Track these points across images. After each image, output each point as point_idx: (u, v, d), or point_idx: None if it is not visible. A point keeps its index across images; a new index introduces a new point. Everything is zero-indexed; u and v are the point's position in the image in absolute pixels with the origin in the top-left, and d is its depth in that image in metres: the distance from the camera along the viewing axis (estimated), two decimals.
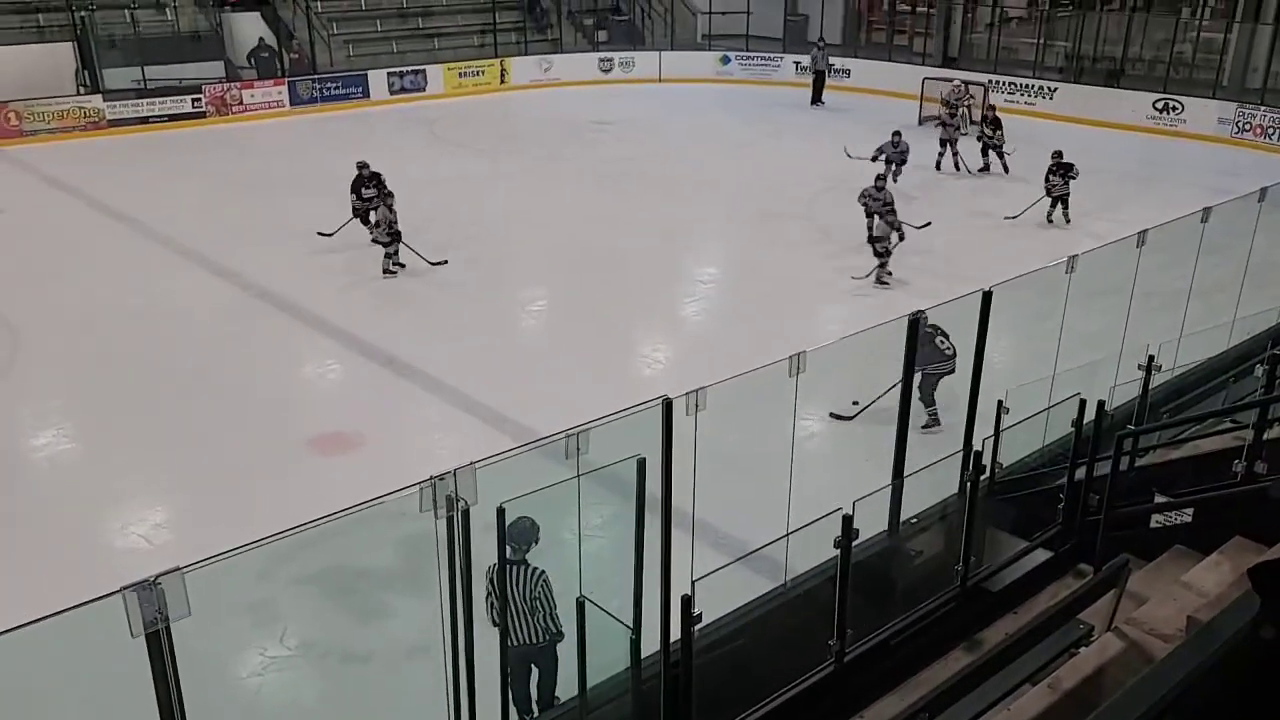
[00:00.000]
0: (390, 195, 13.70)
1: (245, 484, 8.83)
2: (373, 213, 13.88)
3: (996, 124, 18.97)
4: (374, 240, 13.75)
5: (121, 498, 8.82)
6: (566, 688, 5.59)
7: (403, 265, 13.73)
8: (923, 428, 9.02)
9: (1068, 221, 15.57)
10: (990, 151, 18.88)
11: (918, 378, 8.07)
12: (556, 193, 18.21)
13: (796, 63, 28.21)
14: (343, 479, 8.67)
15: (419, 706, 5.39)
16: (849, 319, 11.85)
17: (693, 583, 4.65)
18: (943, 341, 9.07)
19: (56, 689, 5.54)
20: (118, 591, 3.28)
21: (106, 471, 9.24)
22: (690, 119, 24.85)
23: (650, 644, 5.00)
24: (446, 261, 13.95)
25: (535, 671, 5.71)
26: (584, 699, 4.72)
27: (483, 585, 5.26)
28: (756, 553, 6.06)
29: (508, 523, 5.11)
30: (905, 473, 6.59)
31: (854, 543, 5.28)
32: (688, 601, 4.60)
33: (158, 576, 3.27)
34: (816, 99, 25.74)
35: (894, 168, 17.00)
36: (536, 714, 5.69)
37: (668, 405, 4.62)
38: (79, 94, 22.21)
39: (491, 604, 5.38)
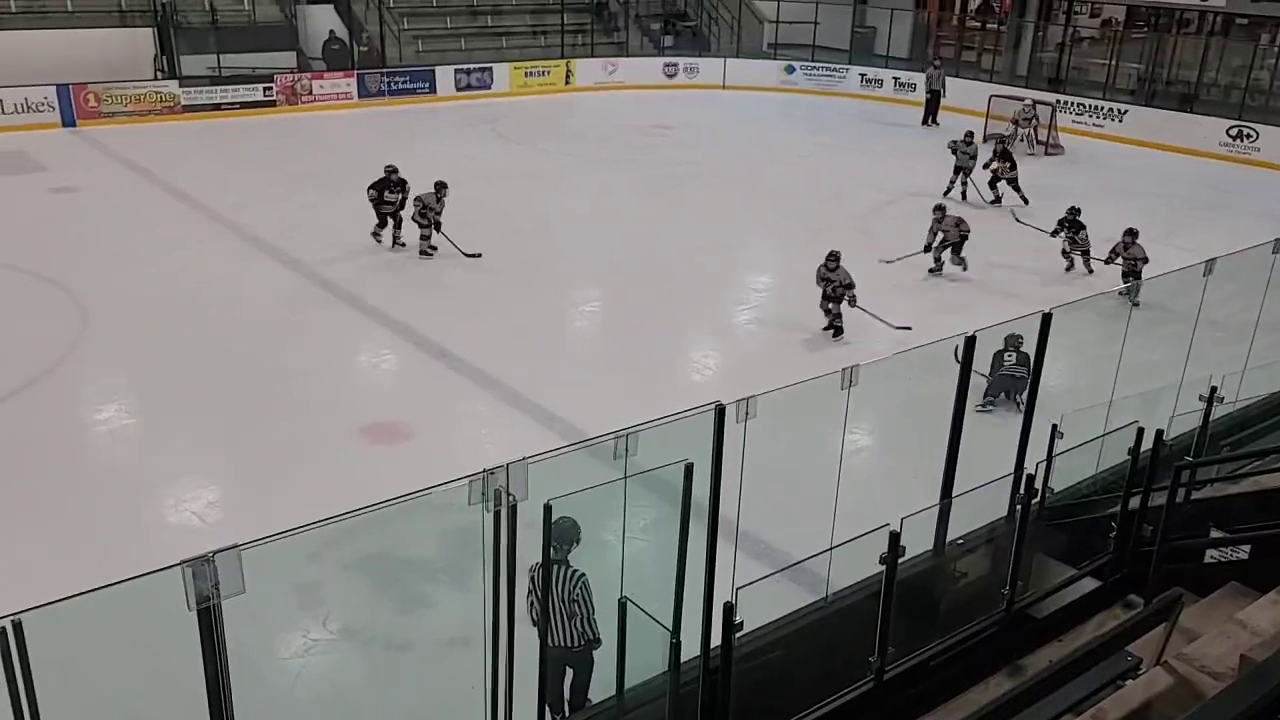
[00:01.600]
0: (411, 197, 14.22)
1: (297, 468, 8.98)
2: (390, 219, 14.46)
3: (1007, 157, 17.84)
4: (413, 219, 14.36)
5: (178, 475, 9.01)
6: (599, 691, 5.61)
7: (435, 248, 14.36)
8: (977, 407, 9.73)
9: (1089, 272, 14.34)
10: (1000, 185, 17.67)
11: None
12: (614, 195, 18.28)
13: (862, 74, 28.06)
14: (392, 468, 8.79)
15: (456, 698, 5.43)
16: (900, 334, 11.75)
17: (736, 590, 4.65)
18: (1009, 356, 10.07)
19: (107, 659, 5.68)
20: (175, 565, 3.36)
21: (165, 449, 9.45)
22: (752, 127, 24.80)
23: (689, 649, 5.00)
24: (480, 254, 14.12)
25: (569, 673, 5.73)
26: (621, 699, 4.74)
27: (524, 582, 5.29)
28: (798, 565, 6.05)
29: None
30: (954, 493, 6.52)
31: (899, 560, 5.24)
32: (730, 609, 4.59)
33: (215, 553, 3.34)
34: (929, 119, 24.71)
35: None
36: (568, 715, 5.71)
37: (720, 411, 4.63)
38: (156, 79, 22.76)
39: (533, 603, 5.41)
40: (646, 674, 5.21)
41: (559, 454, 4.73)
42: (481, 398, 10.56)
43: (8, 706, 3.45)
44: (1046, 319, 6.48)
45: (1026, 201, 17.30)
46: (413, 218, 14.26)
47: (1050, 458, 6.53)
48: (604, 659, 5.51)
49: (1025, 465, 6.53)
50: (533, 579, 5.33)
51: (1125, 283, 13.24)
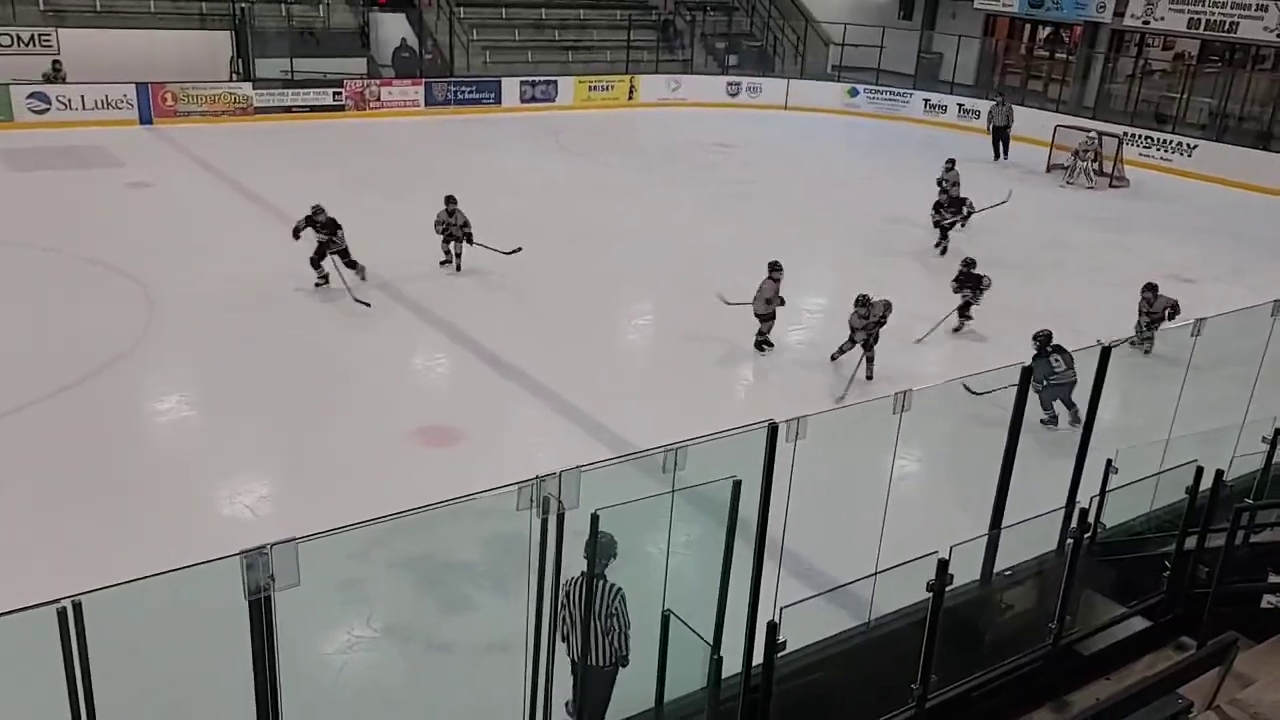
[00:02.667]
0: (337, 231, 13.05)
1: (348, 467, 9.12)
2: (327, 258, 13.10)
3: (958, 205, 16.76)
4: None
5: (233, 468, 9.20)
6: (633, 705, 5.56)
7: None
8: (1041, 421, 10.14)
9: (956, 330, 13.00)
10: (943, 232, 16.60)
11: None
12: (672, 210, 18.34)
13: (926, 99, 27.89)
14: (440, 472, 8.90)
15: (494, 703, 5.47)
16: (953, 360, 11.65)
17: (780, 610, 4.64)
18: (1057, 360, 10.05)
19: (159, 644, 5.82)
20: (232, 556, 3.44)
21: (223, 441, 9.65)
22: (812, 148, 24.76)
23: (730, 666, 4.99)
24: (520, 249, 14.15)
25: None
26: (660, 711, 4.75)
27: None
28: (843, 588, 6.02)
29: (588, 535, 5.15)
30: (1004, 523, 6.45)
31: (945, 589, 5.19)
32: (773, 628, 4.59)
33: (272, 545, 3.42)
34: (1000, 154, 23.85)
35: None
36: None
37: (773, 430, 4.63)
38: (231, 80, 23.34)
39: (564, 618, 5.34)
40: (686, 689, 5.21)
41: (609, 464, 4.77)
42: (532, 404, 10.65)
43: (63, 686, 3.54)
44: (1106, 352, 6.39)
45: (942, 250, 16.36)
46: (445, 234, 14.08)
47: (1104, 493, 6.44)
48: (641, 673, 5.51)
49: (1078, 499, 6.44)
50: (566, 594, 5.30)
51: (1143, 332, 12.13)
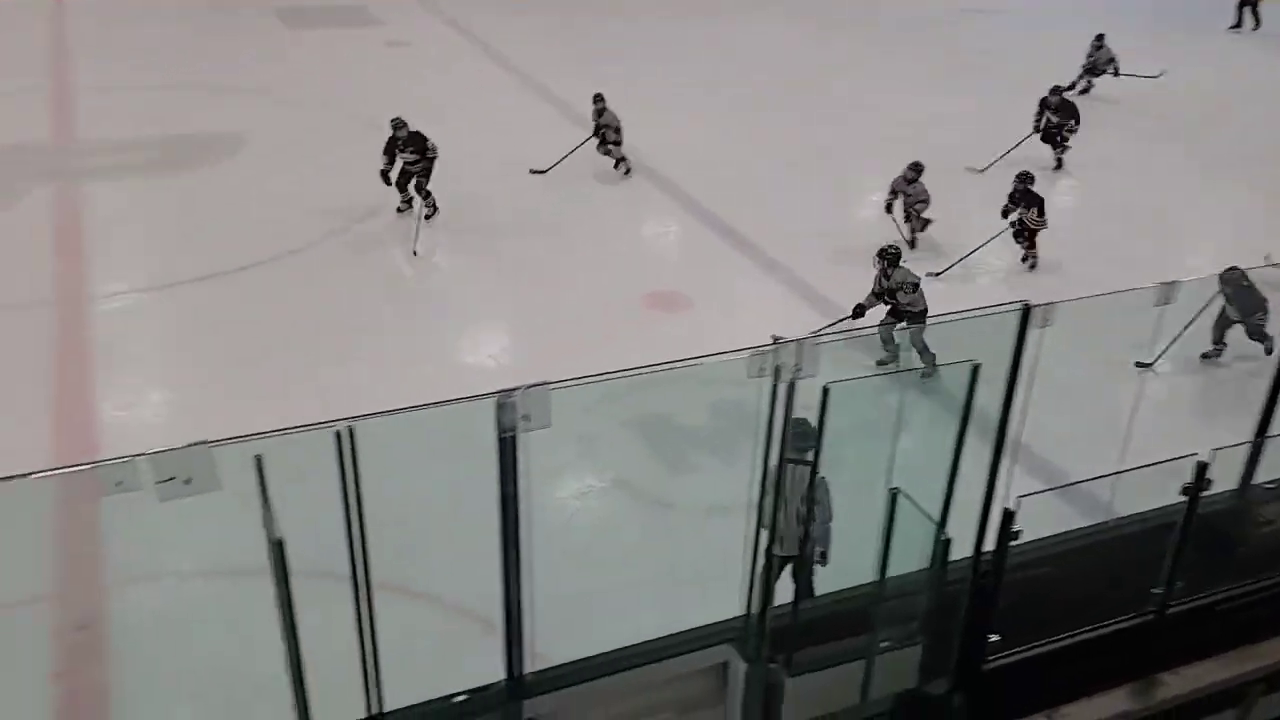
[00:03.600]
0: (432, 154, 11.42)
1: (585, 325, 9.44)
2: (412, 182, 11.54)
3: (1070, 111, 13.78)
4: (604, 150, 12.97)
5: (481, 320, 9.74)
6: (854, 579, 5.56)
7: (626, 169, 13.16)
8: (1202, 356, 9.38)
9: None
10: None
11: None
12: (910, 83, 17.43)
13: None
14: (670, 336, 9.08)
15: (714, 564, 5.64)
16: (1217, 254, 10.66)
17: (1018, 498, 4.50)
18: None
19: (419, 469, 6.34)
20: (490, 395, 3.65)
21: (474, 295, 10.24)
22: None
23: (957, 553, 4.91)
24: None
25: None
26: (883, 585, 4.75)
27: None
28: (1082, 484, 5.77)
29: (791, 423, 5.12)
30: (1271, 431, 5.94)
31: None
32: (1009, 516, 4.46)
33: (527, 387, 3.61)
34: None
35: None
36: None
37: (1026, 311, 4.40)
38: None
39: (763, 506, 5.28)
40: (909, 568, 5.18)
41: (850, 335, 4.68)
42: (763, 280, 10.60)
43: (338, 502, 3.90)
44: None
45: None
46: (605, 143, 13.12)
47: None
48: (863, 552, 5.48)
49: None
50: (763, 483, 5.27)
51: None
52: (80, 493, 6.86)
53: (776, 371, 4.40)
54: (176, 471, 3.18)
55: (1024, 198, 10.84)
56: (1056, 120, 13.66)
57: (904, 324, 8.62)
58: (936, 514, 4.78)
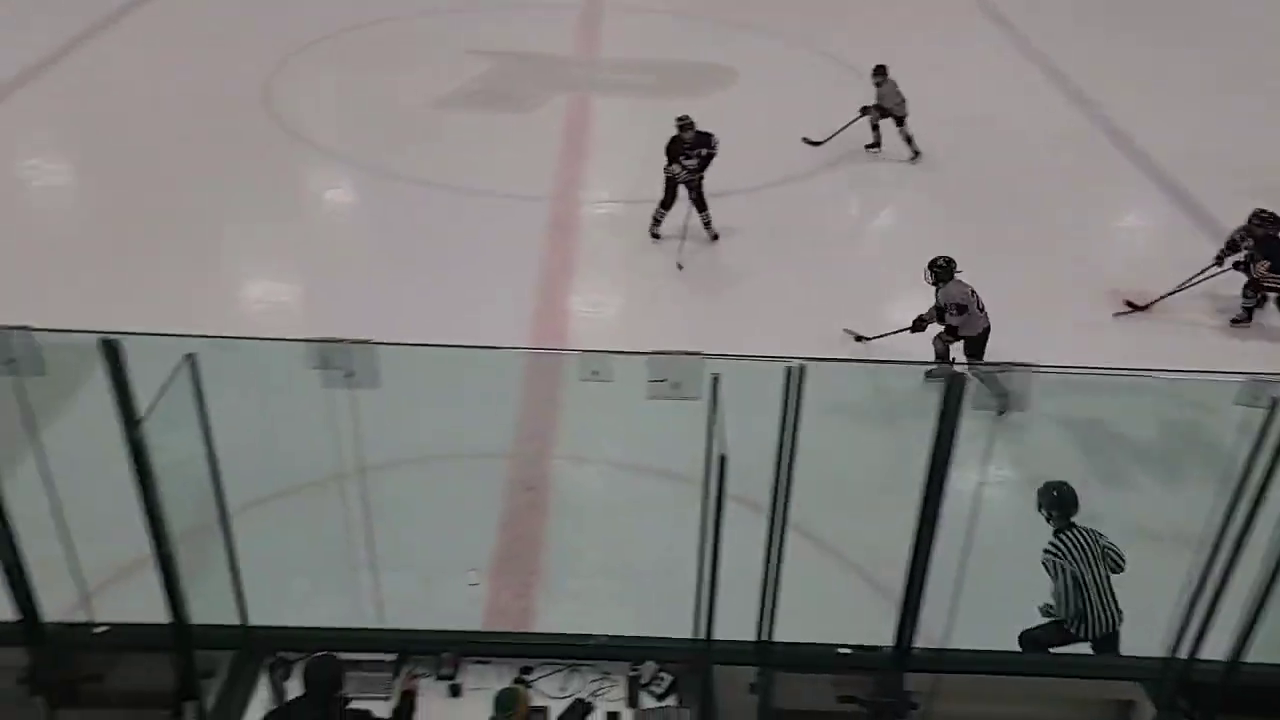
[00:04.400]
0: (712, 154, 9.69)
1: (1046, 308, 9.00)
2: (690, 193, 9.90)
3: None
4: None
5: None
6: None
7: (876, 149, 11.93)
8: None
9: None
10: None
11: None
12: None
13: None
14: (1122, 340, 8.57)
15: (1136, 592, 5.24)
16: None
17: None
18: None
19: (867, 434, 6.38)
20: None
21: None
22: None
23: None
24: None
25: None
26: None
27: None
28: None
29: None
30: None
31: None
32: None
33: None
34: None
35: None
36: None
37: None
38: None
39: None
40: None
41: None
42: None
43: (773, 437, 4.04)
44: None
45: None
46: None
47: None
48: None
49: None
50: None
51: None
52: (546, 372, 7.82)
53: (1274, 405, 3.83)
54: (667, 374, 3.43)
55: (1263, 244, 8.60)
56: None
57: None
58: None
